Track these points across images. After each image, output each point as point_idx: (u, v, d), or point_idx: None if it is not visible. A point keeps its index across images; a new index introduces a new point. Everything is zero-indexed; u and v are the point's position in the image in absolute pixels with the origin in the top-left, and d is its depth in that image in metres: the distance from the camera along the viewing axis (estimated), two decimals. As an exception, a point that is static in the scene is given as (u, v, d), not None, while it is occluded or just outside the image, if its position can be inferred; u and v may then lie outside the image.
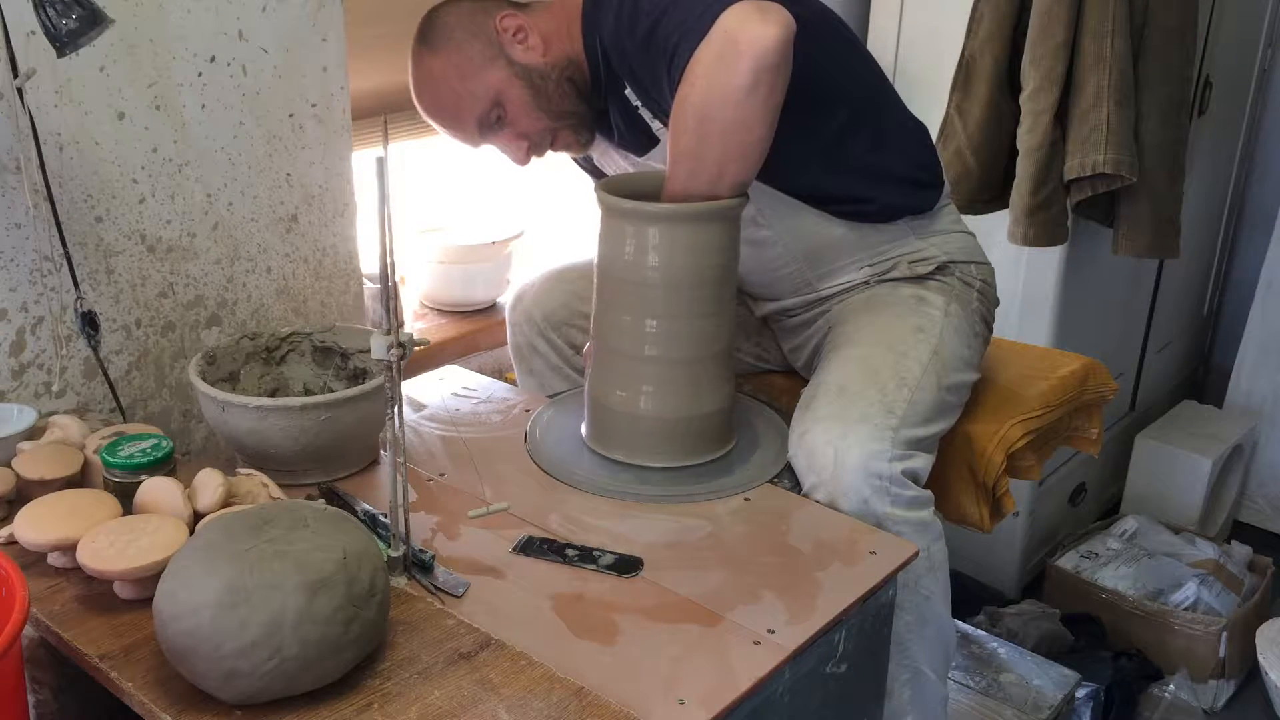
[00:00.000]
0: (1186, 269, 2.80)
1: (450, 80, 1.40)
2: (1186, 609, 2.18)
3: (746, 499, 1.28)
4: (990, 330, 1.55)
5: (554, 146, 1.48)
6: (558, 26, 1.40)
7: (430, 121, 1.47)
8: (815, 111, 1.36)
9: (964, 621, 2.02)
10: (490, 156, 1.52)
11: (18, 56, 1.16)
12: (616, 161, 1.53)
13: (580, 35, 1.39)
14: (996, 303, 1.57)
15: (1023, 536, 2.37)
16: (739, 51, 1.16)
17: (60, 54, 1.08)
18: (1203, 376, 3.21)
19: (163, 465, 1.14)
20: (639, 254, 1.27)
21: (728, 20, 1.17)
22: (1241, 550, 2.39)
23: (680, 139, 1.23)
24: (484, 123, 1.42)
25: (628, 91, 1.38)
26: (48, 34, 1.06)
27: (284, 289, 1.55)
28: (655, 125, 1.41)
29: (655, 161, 1.45)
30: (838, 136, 1.42)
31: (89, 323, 1.31)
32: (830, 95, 1.38)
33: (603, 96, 1.43)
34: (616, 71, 1.37)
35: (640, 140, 1.45)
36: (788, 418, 1.38)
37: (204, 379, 1.26)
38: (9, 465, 1.17)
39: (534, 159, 1.49)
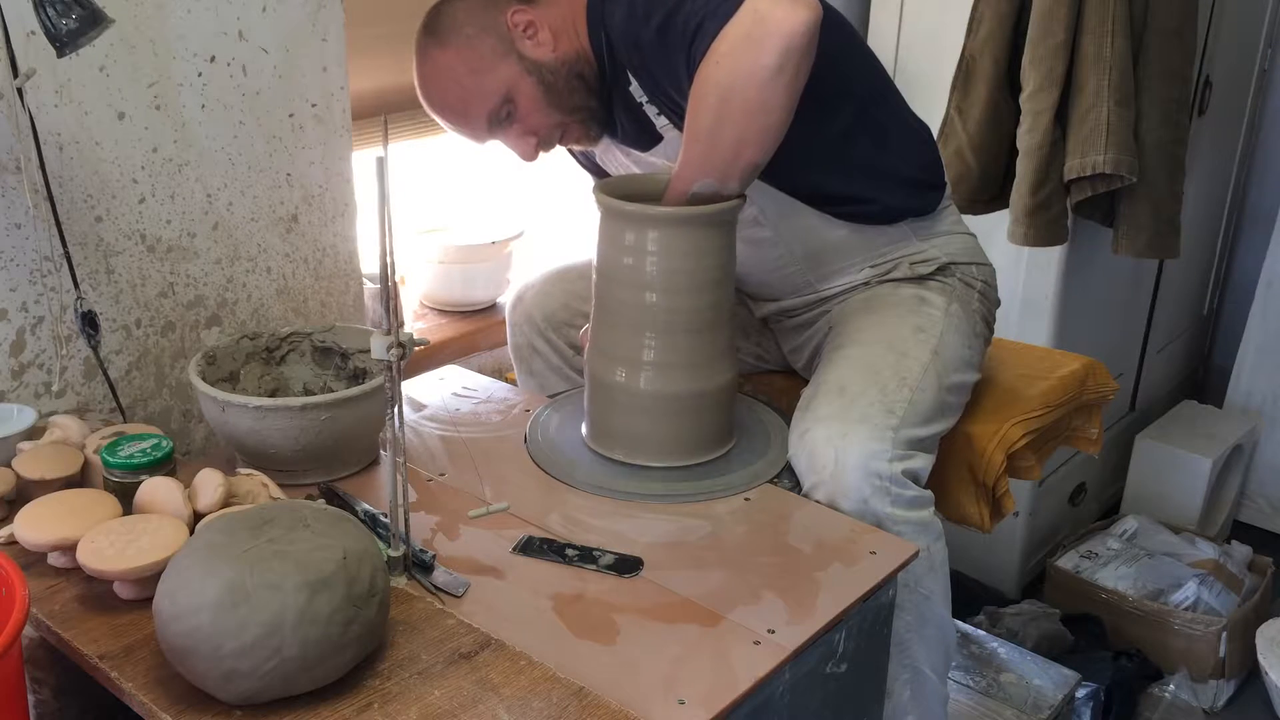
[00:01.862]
0: (1186, 269, 2.80)
1: (460, 76, 1.38)
2: (1186, 609, 2.18)
3: (746, 499, 1.28)
4: (991, 331, 1.55)
5: (562, 141, 1.47)
6: (565, 21, 1.38)
7: (436, 117, 1.45)
8: (819, 111, 1.36)
9: (964, 621, 2.02)
10: (491, 156, 1.52)
11: (18, 56, 1.16)
12: (618, 158, 1.52)
13: (586, 30, 1.38)
14: (997, 304, 1.57)
15: (1023, 536, 2.37)
16: (768, 31, 1.16)
17: (60, 54, 1.08)
18: (1203, 376, 3.21)
19: (163, 465, 1.14)
20: (637, 256, 1.27)
21: (758, 1, 1.17)
22: (1241, 550, 2.39)
23: (699, 118, 1.22)
24: (494, 119, 1.40)
25: (632, 87, 1.38)
26: (48, 34, 1.06)
27: (284, 289, 1.55)
28: (660, 121, 1.40)
29: (659, 158, 1.44)
30: (841, 137, 1.42)
31: (89, 323, 1.31)
32: (835, 95, 1.38)
33: (607, 92, 1.42)
34: (622, 66, 1.37)
35: (643, 137, 1.44)
36: (788, 418, 1.38)
37: (204, 379, 1.26)
38: (9, 465, 1.17)
39: (541, 154, 1.47)
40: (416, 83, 1.42)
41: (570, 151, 1.60)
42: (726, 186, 1.25)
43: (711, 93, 1.20)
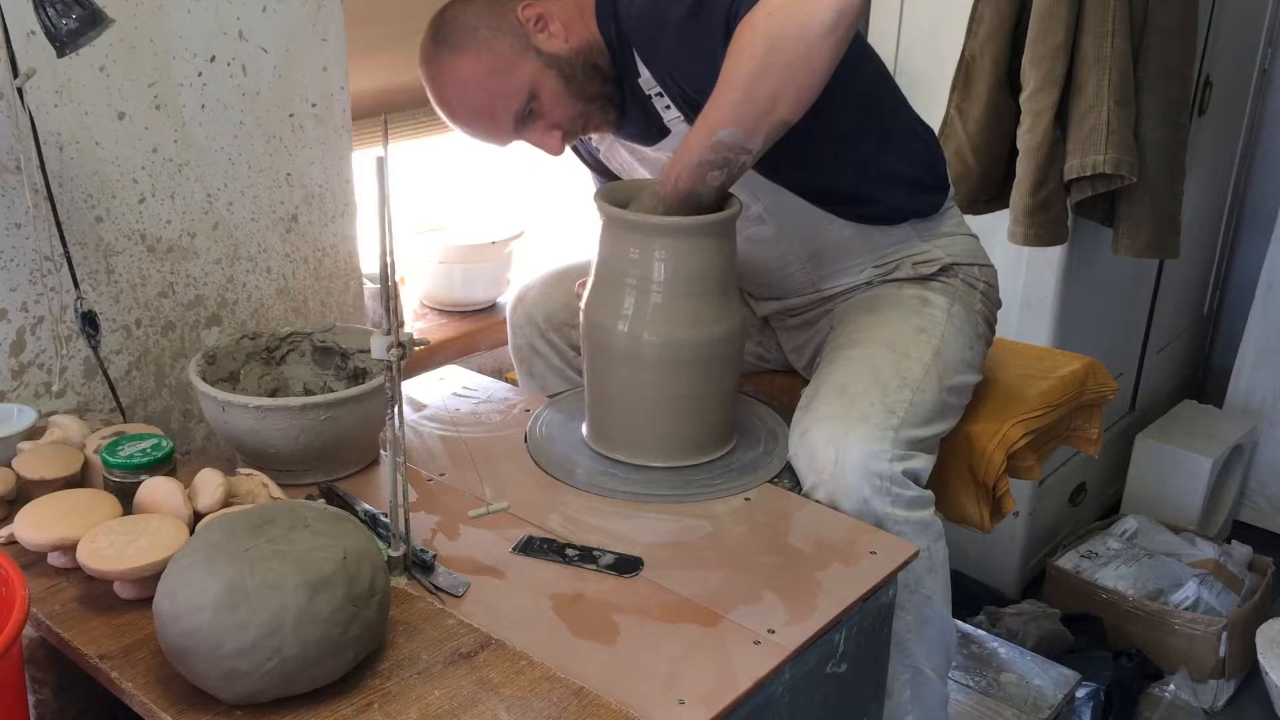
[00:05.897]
0: (1186, 269, 2.80)
1: (482, 80, 1.36)
2: (1186, 609, 2.18)
3: (746, 499, 1.28)
4: (992, 332, 1.55)
5: (585, 130, 1.45)
6: (572, 12, 1.37)
7: (458, 126, 1.42)
8: (825, 111, 1.35)
9: (964, 621, 2.01)
10: (490, 155, 1.52)
11: (18, 56, 1.16)
12: (621, 155, 1.52)
13: (595, 20, 1.37)
14: (999, 305, 1.57)
15: (1023, 536, 2.37)
16: None
17: (60, 54, 1.08)
18: (1203, 376, 3.21)
19: (163, 465, 1.14)
20: (641, 265, 1.26)
21: None
22: (1241, 550, 2.39)
23: (739, 65, 1.20)
24: (519, 118, 1.38)
25: (642, 78, 1.37)
26: (48, 34, 1.06)
27: (284, 289, 1.55)
28: (668, 114, 1.39)
29: (664, 153, 1.44)
30: (846, 136, 1.41)
31: (89, 323, 1.31)
32: (840, 94, 1.37)
33: (619, 78, 1.40)
34: (632, 56, 1.36)
35: (650, 130, 1.43)
36: (788, 418, 1.38)
37: (204, 379, 1.26)
38: (9, 465, 1.17)
39: (567, 146, 1.46)
40: (433, 94, 1.40)
41: (573, 148, 1.60)
42: (752, 140, 1.23)
43: (759, 41, 1.18)
